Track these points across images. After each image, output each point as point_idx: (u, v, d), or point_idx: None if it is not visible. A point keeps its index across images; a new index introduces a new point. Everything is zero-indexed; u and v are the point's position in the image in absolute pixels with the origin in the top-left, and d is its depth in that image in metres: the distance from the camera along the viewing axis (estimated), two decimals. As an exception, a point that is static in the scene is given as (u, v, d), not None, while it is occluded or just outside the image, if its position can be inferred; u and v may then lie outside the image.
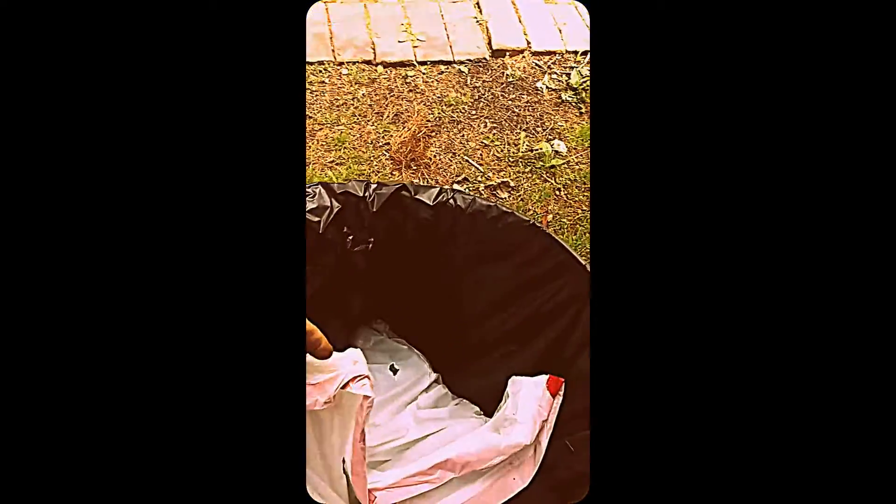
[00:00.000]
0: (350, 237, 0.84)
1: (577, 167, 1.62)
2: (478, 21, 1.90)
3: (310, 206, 0.79)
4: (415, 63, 1.78)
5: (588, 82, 1.83)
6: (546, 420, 0.80)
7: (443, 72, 1.79)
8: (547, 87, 1.81)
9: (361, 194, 0.83)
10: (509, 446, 0.78)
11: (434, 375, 0.95)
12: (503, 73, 1.81)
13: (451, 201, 0.84)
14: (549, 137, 1.69)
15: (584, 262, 0.79)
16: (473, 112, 1.71)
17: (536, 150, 1.63)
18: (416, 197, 0.84)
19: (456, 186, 1.52)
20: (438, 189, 0.85)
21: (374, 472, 0.79)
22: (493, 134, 1.66)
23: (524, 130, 1.69)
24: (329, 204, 0.81)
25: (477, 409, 0.92)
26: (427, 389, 0.92)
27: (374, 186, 0.84)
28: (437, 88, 1.75)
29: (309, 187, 0.80)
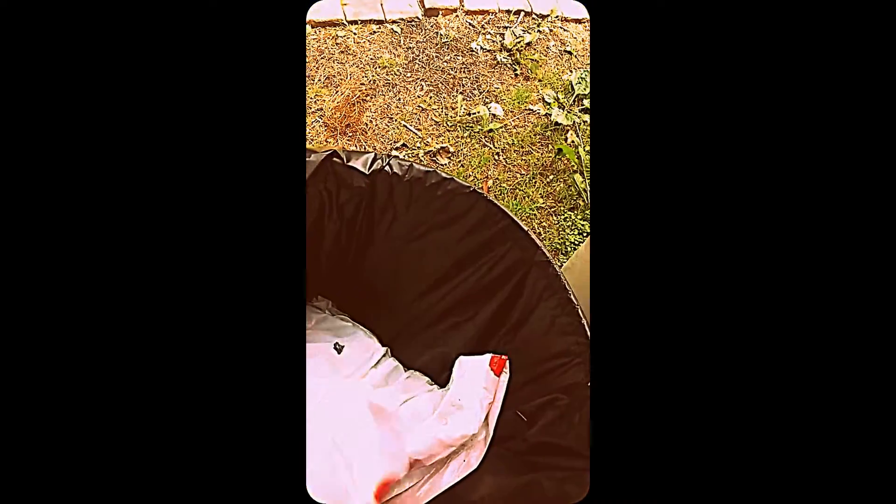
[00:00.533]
0: (281, 210, 0.79)
1: (515, 131, 1.60)
2: (409, -22, 1.81)
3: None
4: (345, 22, 1.68)
5: (522, 42, 1.80)
6: (493, 402, 0.79)
7: (375, 32, 1.71)
8: (482, 48, 1.76)
9: (290, 164, 0.78)
10: (456, 438, 0.77)
11: (384, 349, 0.92)
12: (437, 33, 1.75)
13: (388, 168, 0.80)
14: (486, 100, 1.65)
15: (526, 228, 0.77)
16: (408, 74, 1.64)
17: (474, 113, 1.59)
18: (349, 164, 0.79)
19: (395, 153, 1.47)
20: (373, 155, 0.80)
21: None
22: (430, 97, 1.61)
23: (461, 94, 1.64)
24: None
25: (428, 379, 0.90)
26: (377, 364, 0.89)
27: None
28: (369, 50, 1.66)
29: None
